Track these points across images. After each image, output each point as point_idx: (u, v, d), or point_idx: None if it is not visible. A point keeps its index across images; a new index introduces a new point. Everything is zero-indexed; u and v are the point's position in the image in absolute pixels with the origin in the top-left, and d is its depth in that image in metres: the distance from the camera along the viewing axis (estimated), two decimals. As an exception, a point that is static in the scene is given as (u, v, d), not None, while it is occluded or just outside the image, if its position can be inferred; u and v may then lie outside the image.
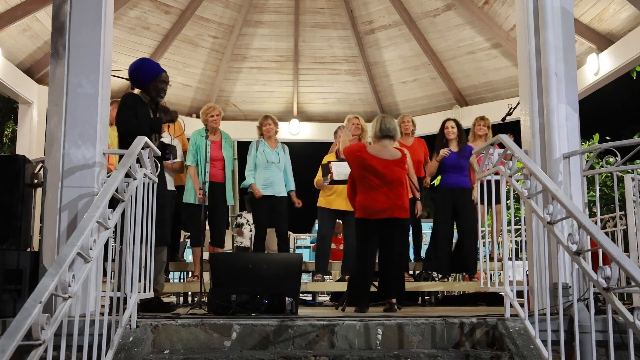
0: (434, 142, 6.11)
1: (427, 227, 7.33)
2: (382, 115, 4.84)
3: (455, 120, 6.04)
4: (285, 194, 5.98)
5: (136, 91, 4.49)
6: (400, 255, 4.67)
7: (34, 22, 6.65)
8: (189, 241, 6.50)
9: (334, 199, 5.88)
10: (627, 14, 6.06)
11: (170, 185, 5.74)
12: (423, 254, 6.38)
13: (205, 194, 5.29)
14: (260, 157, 5.92)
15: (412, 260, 6.47)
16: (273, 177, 5.90)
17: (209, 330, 3.27)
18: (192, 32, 8.08)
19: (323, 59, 8.72)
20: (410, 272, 6.11)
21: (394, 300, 4.46)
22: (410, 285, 5.66)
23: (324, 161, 5.98)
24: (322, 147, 6.30)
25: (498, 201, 3.75)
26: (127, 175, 3.21)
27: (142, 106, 4.26)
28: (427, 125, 8.17)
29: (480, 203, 3.96)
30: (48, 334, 2.07)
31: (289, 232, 7.10)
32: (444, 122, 6.05)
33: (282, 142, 6.23)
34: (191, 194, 5.70)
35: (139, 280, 3.38)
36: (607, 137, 10.19)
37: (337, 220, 6.19)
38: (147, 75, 4.30)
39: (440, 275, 6.04)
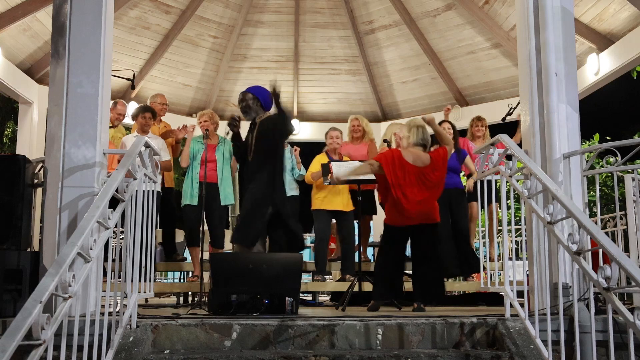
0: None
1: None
2: (417, 125, 4.86)
3: (450, 122, 6.10)
4: (290, 194, 5.94)
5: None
6: (433, 259, 4.66)
7: (34, 22, 6.66)
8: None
9: (330, 200, 5.86)
10: (627, 14, 6.07)
11: (158, 187, 5.77)
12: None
13: (201, 195, 5.36)
14: None
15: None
16: None
17: (209, 330, 3.26)
18: (193, 32, 8.08)
19: (323, 59, 8.71)
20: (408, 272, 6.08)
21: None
22: (410, 284, 5.63)
23: (317, 160, 5.99)
24: (322, 147, 6.28)
25: (496, 199, 3.74)
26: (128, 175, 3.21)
27: None
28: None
29: (480, 203, 3.96)
30: (48, 334, 2.07)
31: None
32: (439, 123, 6.08)
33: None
34: (186, 196, 5.71)
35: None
36: (607, 137, 10.21)
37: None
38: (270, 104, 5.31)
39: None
